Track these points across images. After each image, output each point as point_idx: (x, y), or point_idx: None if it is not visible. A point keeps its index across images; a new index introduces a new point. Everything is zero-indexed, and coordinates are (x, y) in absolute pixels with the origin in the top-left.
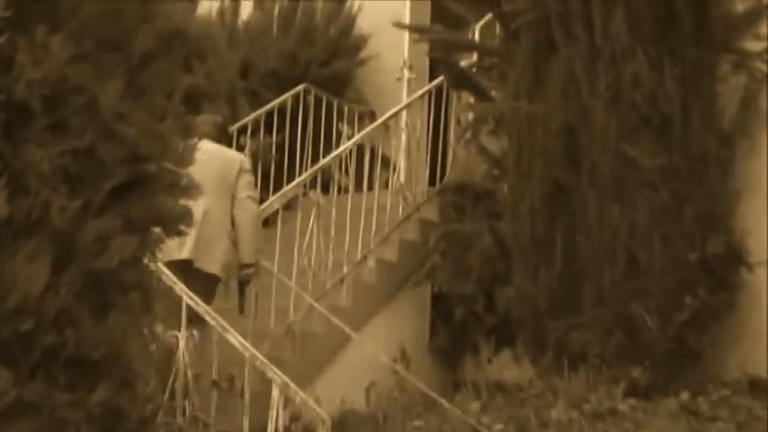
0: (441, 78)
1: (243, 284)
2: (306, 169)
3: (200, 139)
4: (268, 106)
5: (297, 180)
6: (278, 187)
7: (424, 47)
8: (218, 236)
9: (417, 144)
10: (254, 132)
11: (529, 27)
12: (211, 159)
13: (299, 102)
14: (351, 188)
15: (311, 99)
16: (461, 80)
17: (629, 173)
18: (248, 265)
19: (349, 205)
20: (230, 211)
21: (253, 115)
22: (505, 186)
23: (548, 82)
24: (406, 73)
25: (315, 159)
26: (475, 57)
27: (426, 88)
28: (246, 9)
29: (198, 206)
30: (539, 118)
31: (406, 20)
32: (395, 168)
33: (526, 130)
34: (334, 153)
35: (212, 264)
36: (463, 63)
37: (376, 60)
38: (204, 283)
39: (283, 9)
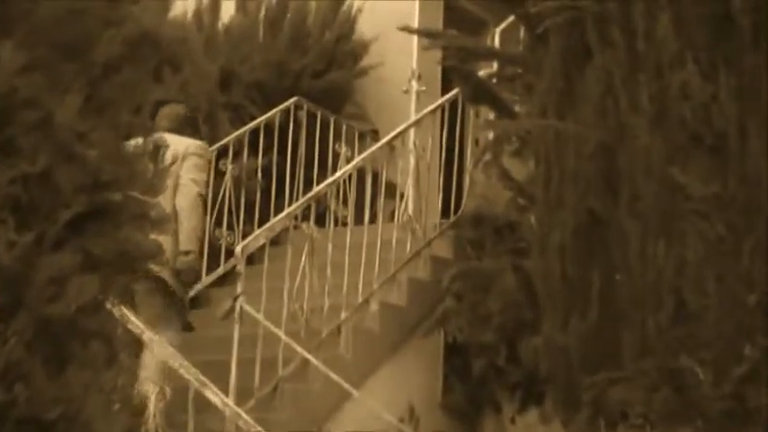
0: (455, 91)
1: (184, 278)
2: (297, 198)
3: (161, 133)
4: (253, 123)
5: (287, 210)
6: (264, 218)
7: (436, 54)
8: None
9: (428, 168)
10: (237, 154)
11: (558, 30)
12: None
13: (288, 118)
14: (350, 220)
15: (303, 115)
16: (480, 93)
17: (676, 202)
18: (186, 252)
19: (348, 240)
20: (170, 198)
21: (235, 134)
22: (532, 217)
23: (581, 95)
24: (415, 85)
25: (308, 186)
26: (495, 66)
27: (438, 102)
28: (228, 10)
29: None
30: (570, 137)
31: (415, 23)
32: (402, 197)
33: (555, 152)
34: (330, 179)
35: None
36: (482, 73)
37: (379, 70)
38: (146, 289)
39: (270, 10)
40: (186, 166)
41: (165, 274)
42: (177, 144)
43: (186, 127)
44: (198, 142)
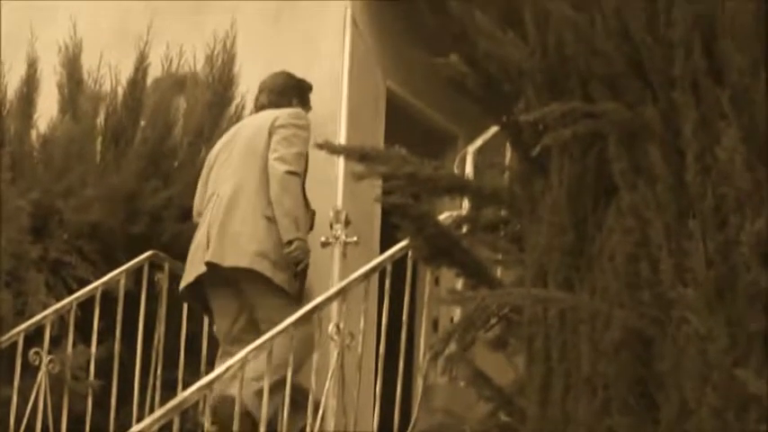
0: (402, 244)
1: (292, 270)
2: (153, 408)
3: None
4: (83, 291)
5: (136, 428)
6: None
7: (373, 187)
8: (245, 219)
9: (358, 365)
10: (57, 340)
11: (566, 152)
12: (242, 129)
13: (141, 283)
14: None
15: (164, 278)
16: (441, 248)
17: (747, 420)
18: (289, 242)
19: None
20: (265, 183)
21: (54, 308)
22: None
23: (600, 253)
24: (341, 234)
25: (169, 390)
26: (466, 205)
27: (375, 261)
28: (46, 108)
29: (223, 191)
30: (584, 319)
31: (341, 136)
32: (316, 409)
33: (560, 342)
34: (205, 378)
35: (237, 255)
36: (445, 217)
37: None
38: (253, 290)
39: (115, 112)
40: (273, 142)
41: (268, 271)
42: (263, 116)
43: (290, 97)
44: (289, 110)
